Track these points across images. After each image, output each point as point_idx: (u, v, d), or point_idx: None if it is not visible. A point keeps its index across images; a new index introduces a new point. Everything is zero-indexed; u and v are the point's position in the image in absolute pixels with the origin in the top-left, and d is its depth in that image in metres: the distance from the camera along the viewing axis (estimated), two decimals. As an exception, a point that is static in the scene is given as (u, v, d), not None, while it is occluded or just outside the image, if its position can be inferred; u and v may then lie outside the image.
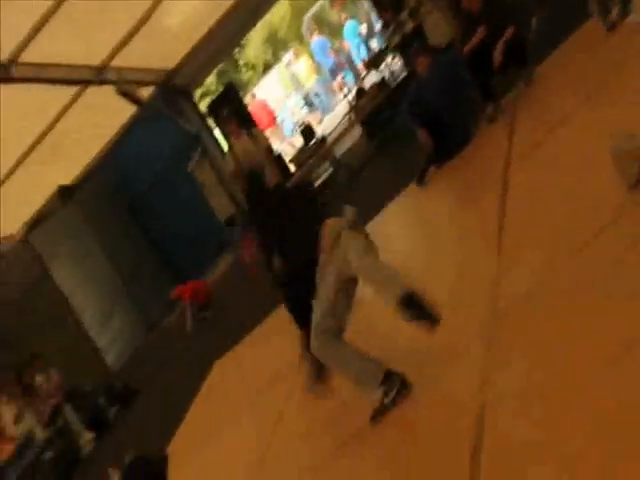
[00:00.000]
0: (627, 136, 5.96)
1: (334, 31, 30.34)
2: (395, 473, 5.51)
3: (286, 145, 26.22)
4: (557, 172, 7.78)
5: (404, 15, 14.64)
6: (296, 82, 30.34)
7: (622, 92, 7.96)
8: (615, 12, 9.80)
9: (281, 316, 11.89)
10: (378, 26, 21.69)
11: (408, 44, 14.73)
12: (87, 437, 15.79)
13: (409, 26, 14.60)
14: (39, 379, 16.74)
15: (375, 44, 25.01)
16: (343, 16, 29.62)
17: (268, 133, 26.65)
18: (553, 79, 10.70)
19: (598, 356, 4.60)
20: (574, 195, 6.84)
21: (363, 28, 27.69)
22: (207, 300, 17.68)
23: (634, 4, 9.42)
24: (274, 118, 28.52)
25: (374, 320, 7.48)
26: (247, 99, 29.36)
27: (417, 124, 11.59)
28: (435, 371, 6.18)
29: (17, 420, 16.67)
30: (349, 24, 28.09)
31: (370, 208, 12.27)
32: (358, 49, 26.71)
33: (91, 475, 13.46)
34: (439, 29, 13.61)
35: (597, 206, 6.19)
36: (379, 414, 6.16)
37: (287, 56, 32.11)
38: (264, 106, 28.65)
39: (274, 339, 11.59)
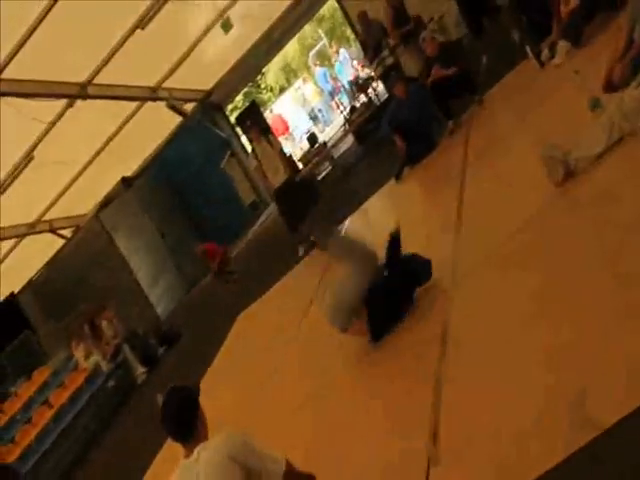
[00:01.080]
0: (553, 146, 6.00)
1: (331, 64, 30.35)
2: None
3: (297, 148, 26.22)
4: (501, 171, 7.81)
5: (385, 53, 14.63)
6: (304, 101, 30.31)
7: (550, 113, 7.98)
8: (545, 54, 9.83)
9: (287, 282, 12.01)
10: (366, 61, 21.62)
11: (388, 74, 14.74)
12: (140, 370, 15.85)
13: (389, 61, 14.60)
14: (105, 324, 16.78)
15: (362, 74, 24.95)
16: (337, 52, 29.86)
17: (283, 139, 26.77)
18: (499, 102, 10.71)
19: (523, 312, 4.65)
20: (514, 189, 6.88)
21: (353, 63, 27.79)
22: (222, 262, 17.00)
23: (558, 50, 9.47)
24: (288, 127, 28.57)
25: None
26: (266, 114, 29.45)
27: (394, 133, 11.61)
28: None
29: (87, 356, 16.75)
30: (337, 65, 28.55)
31: (359, 197, 12.30)
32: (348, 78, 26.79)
33: (143, 400, 13.50)
34: (411, 64, 13.61)
35: (531, 197, 6.24)
36: None
37: (297, 82, 32.08)
38: (280, 118, 28.72)
39: (282, 299, 11.66)
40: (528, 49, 10.28)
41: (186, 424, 4.16)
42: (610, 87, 6.65)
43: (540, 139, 6.30)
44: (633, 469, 2.94)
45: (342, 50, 29.51)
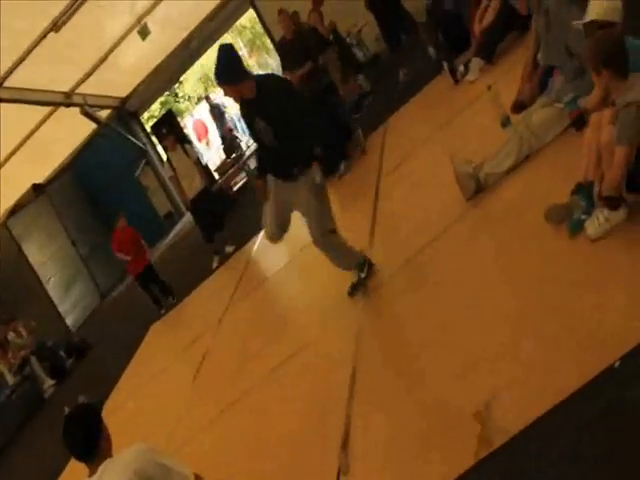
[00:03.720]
0: (465, 161, 6.15)
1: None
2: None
3: (214, 156, 26.15)
4: (415, 184, 7.95)
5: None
6: (221, 111, 30.27)
7: (463, 127, 8.17)
8: (459, 70, 10.05)
9: (200, 293, 11.98)
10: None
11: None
12: (49, 383, 15.54)
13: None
14: (12, 336, 16.42)
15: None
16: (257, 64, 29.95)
17: (204, 143, 26.74)
18: (413, 116, 10.87)
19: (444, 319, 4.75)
20: (427, 202, 7.02)
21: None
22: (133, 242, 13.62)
23: (472, 67, 9.69)
24: (207, 132, 28.50)
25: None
26: (187, 118, 29.40)
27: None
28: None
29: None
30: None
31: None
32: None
33: (51, 414, 13.22)
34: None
35: (444, 210, 6.37)
36: (357, 287, 6.31)
37: (215, 91, 32.02)
38: (201, 122, 28.65)
39: (196, 309, 11.64)
40: (444, 65, 10.48)
41: (86, 444, 4.08)
42: (519, 107, 6.85)
43: (453, 154, 6.42)
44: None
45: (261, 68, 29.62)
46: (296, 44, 11.54)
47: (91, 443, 4.08)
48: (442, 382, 4.18)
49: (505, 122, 6.53)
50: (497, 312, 4.34)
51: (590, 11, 5.08)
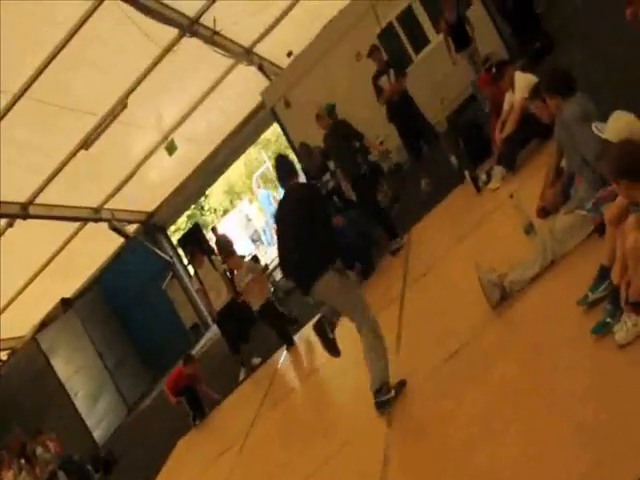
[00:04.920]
0: (490, 269, 6.15)
1: (275, 186, 30.83)
2: None
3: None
4: (440, 293, 7.93)
5: (326, 177, 14.89)
6: (247, 222, 30.61)
7: (486, 235, 8.17)
8: (482, 179, 10.12)
9: (227, 407, 11.87)
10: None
11: (331, 197, 15.03)
12: (77, 499, 15.38)
13: (331, 185, 14.85)
14: (39, 450, 16.29)
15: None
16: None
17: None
18: (437, 224, 10.91)
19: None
20: (452, 310, 6.98)
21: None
22: (189, 380, 13.19)
23: (493, 175, 9.76)
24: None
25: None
26: (210, 234, 29.71)
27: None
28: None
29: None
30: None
31: (300, 321, 12.30)
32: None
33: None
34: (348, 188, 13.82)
35: (469, 318, 6.34)
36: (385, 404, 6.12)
37: (242, 203, 32.48)
38: (225, 236, 28.87)
39: (223, 423, 11.53)
40: (466, 174, 10.58)
41: None
42: (543, 212, 6.89)
43: (477, 262, 6.43)
44: None
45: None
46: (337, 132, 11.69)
47: None
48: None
49: (528, 229, 6.55)
50: (524, 428, 4.26)
51: (606, 129, 5.17)
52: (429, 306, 7.83)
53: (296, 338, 11.92)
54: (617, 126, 5.07)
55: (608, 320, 4.42)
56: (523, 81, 9.50)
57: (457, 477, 4.39)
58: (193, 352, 19.59)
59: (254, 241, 29.80)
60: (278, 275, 19.40)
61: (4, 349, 22.21)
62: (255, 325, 13.47)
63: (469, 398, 5.18)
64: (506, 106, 10.09)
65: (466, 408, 5.09)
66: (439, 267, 8.72)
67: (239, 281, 12.71)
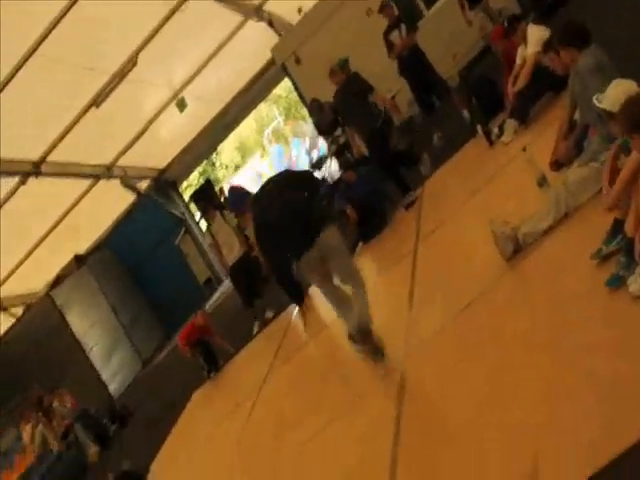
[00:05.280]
0: (503, 222, 6.13)
1: (287, 142, 30.73)
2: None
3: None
4: (453, 247, 7.93)
5: (338, 132, 14.84)
6: (259, 179, 30.55)
7: (499, 189, 8.14)
8: (494, 133, 10.06)
9: (241, 359, 11.93)
10: (319, 140, 21.93)
11: (342, 151, 15.01)
12: (93, 449, 15.48)
13: (342, 139, 14.80)
14: (56, 404, 16.46)
15: (317, 152, 25.16)
16: (293, 132, 30.22)
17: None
18: (449, 179, 10.87)
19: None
20: (465, 264, 6.99)
21: (306, 142, 27.97)
22: (202, 332, 13.27)
23: (506, 128, 9.69)
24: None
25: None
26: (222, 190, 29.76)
27: (347, 205, 11.69)
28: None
29: (35, 436, 16.35)
30: (295, 140, 28.81)
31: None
32: (303, 156, 27.05)
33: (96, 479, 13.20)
34: (358, 144, 13.74)
35: (483, 272, 6.33)
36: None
37: (253, 159, 32.39)
38: (239, 188, 28.84)
39: (237, 376, 11.60)
40: (478, 128, 10.52)
41: None
42: (556, 165, 6.86)
43: (490, 215, 6.41)
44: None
45: (296, 135, 29.86)
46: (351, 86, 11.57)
47: None
48: (486, 451, 4.10)
49: (541, 182, 6.52)
50: (537, 382, 4.25)
51: (604, 98, 5.11)
52: (442, 260, 7.82)
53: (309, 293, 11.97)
54: (616, 94, 5.00)
55: (622, 273, 4.40)
56: (536, 34, 9.41)
57: (469, 433, 4.40)
58: (207, 306, 19.71)
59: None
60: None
61: (19, 305, 22.37)
62: (268, 279, 13.49)
63: (481, 352, 5.18)
64: (519, 60, 10.00)
65: (479, 362, 5.09)
66: (452, 221, 8.70)
67: (251, 236, 12.71)
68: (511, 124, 9.70)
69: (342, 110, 12.46)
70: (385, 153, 11.57)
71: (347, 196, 11.82)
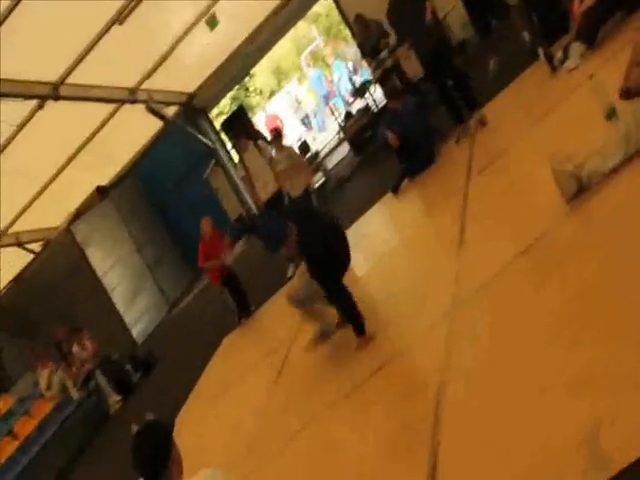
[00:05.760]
0: (565, 158, 6.00)
1: (327, 65, 30.43)
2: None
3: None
4: (508, 184, 7.83)
5: (384, 54, 14.63)
6: (297, 106, 30.38)
7: (561, 121, 7.99)
8: (557, 58, 9.86)
9: (275, 303, 11.96)
10: (363, 63, 21.68)
11: (388, 77, 14.81)
12: (115, 398, 15.73)
13: (388, 63, 14.61)
14: (76, 348, 16.66)
15: (360, 77, 24.91)
16: (334, 54, 29.92)
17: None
18: (506, 108, 10.71)
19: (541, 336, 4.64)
20: (521, 204, 6.89)
21: (350, 65, 27.66)
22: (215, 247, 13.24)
23: (571, 52, 9.47)
24: (283, 128, 28.63)
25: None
26: (259, 114, 29.64)
27: (390, 132, 11.60)
28: (405, 344, 6.22)
29: (53, 383, 16.59)
30: (336, 63, 28.49)
31: (354, 211, 12.28)
32: (345, 81, 26.81)
33: (117, 431, 13.34)
34: (412, 66, 13.57)
35: (541, 214, 6.23)
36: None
37: (290, 84, 32.17)
38: (275, 118, 28.80)
39: (270, 321, 11.64)
40: (540, 52, 10.31)
41: (155, 466, 4.11)
42: (627, 94, 6.68)
43: (551, 151, 6.28)
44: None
45: (338, 58, 29.55)
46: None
47: (160, 465, 4.10)
48: (539, 406, 4.06)
49: (610, 114, 6.37)
50: (602, 330, 4.19)
51: None
52: (496, 199, 7.73)
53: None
54: None
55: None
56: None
57: (527, 385, 4.36)
58: (239, 246, 19.75)
59: (305, 125, 29.64)
60: (331, 162, 19.39)
61: (37, 240, 22.57)
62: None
63: (541, 298, 5.11)
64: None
65: (538, 309, 5.02)
66: (508, 156, 8.58)
67: (275, 165, 12.69)
68: (577, 48, 9.49)
69: (397, 23, 12.18)
70: (445, 75, 11.43)
71: (392, 126, 11.71)
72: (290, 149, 13.75)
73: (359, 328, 6.94)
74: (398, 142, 11.47)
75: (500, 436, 4.13)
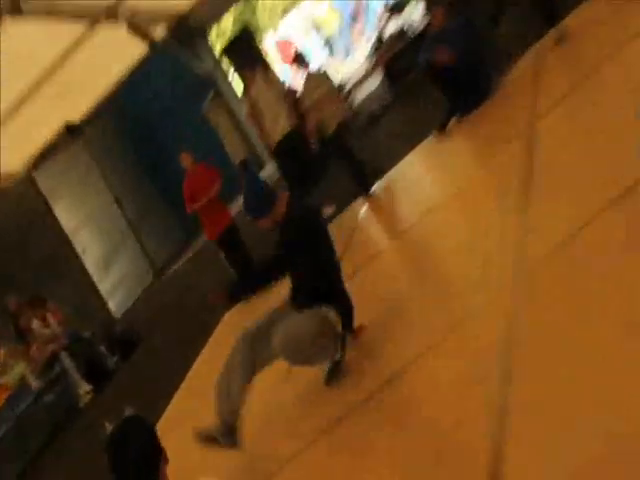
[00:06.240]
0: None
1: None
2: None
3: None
4: (584, 128, 7.71)
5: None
6: (316, 26, 30.23)
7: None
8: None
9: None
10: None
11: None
12: (85, 388, 15.66)
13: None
14: (36, 324, 16.50)
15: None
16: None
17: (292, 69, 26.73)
18: (581, 32, 10.56)
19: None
20: (599, 153, 6.77)
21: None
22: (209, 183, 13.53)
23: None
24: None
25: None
26: (270, 38, 29.49)
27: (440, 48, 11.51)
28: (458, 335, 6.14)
29: (8, 368, 16.45)
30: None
31: (389, 157, 12.20)
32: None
33: (87, 430, 13.31)
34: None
35: (624, 165, 6.08)
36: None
37: (305, 2, 32.02)
38: (288, 44, 28.69)
39: (284, 289, 11.57)
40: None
41: (144, 471, 4.06)
42: None
43: (635, 83, 6.16)
44: None
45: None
46: None
47: (151, 468, 4.06)
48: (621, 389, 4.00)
49: None
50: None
51: None
52: (568, 146, 7.62)
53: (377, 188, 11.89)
54: None
55: None
56: None
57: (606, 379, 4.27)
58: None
59: (325, 51, 29.53)
60: (360, 95, 19.33)
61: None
62: (326, 161, 13.37)
63: (622, 271, 5.00)
64: None
65: (617, 285, 4.91)
66: (584, 90, 8.48)
67: (306, 95, 12.62)
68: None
69: None
70: None
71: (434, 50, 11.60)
72: (320, 74, 13.61)
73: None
74: (453, 57, 11.32)
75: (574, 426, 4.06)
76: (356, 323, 7.14)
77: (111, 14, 19.53)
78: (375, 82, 19.34)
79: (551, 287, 5.56)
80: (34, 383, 15.99)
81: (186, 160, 13.14)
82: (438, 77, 11.69)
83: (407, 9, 18.61)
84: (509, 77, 11.18)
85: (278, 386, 8.03)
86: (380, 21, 23.54)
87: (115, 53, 21.52)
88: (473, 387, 5.23)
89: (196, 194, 13.06)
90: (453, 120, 11.45)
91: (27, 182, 21.18)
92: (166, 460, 4.22)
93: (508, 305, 5.72)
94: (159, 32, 22.32)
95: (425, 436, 5.29)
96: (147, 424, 4.38)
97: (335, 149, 12.35)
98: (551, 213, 6.50)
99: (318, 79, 13.03)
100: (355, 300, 7.43)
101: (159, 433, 4.49)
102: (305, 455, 6.24)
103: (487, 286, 6.25)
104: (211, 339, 12.17)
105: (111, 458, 4.13)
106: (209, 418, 8.96)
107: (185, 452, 7.57)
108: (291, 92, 13.22)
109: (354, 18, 27.75)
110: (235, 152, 22.37)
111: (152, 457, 4.11)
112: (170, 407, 10.59)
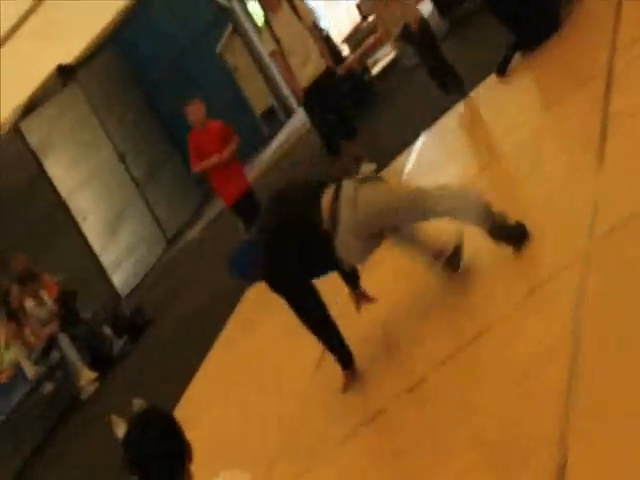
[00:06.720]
0: None
1: None
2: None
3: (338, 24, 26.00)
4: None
5: None
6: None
7: None
8: None
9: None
10: None
11: None
12: (88, 376, 15.63)
13: None
14: (30, 304, 16.48)
15: None
16: None
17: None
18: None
19: None
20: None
21: None
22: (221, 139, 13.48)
23: None
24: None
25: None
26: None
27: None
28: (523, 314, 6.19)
29: (4, 354, 16.37)
30: None
31: (440, 102, 12.20)
32: None
33: (90, 424, 13.40)
34: None
35: None
36: None
37: None
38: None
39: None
40: None
41: (171, 467, 4.15)
42: None
43: None
44: None
45: None
46: None
47: (178, 464, 4.15)
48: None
49: None
50: None
51: None
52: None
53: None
54: None
55: None
56: None
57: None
58: (269, 152, 19.70)
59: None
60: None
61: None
62: (370, 105, 13.38)
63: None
64: None
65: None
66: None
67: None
68: None
69: None
70: None
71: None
72: None
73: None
74: None
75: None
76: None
77: None
78: (424, 12, 19.24)
79: (628, 262, 5.61)
80: (30, 371, 15.96)
81: (196, 113, 13.18)
82: (498, 4, 11.68)
83: None
84: (584, 2, 11.13)
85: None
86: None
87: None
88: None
89: (203, 153, 13.15)
90: (516, 57, 11.43)
91: (14, 135, 21.14)
92: (190, 458, 4.28)
93: (574, 286, 5.77)
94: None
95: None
96: (169, 417, 4.46)
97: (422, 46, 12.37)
98: (627, 176, 6.51)
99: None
100: (390, 275, 7.58)
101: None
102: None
103: (551, 262, 6.30)
104: (231, 318, 12.28)
105: (130, 459, 4.20)
106: (230, 410, 9.12)
107: (210, 443, 7.70)
108: (318, 29, 13.19)
109: None
110: (257, 100, 22.30)
111: (177, 455, 4.18)
112: (185, 397, 10.67)
